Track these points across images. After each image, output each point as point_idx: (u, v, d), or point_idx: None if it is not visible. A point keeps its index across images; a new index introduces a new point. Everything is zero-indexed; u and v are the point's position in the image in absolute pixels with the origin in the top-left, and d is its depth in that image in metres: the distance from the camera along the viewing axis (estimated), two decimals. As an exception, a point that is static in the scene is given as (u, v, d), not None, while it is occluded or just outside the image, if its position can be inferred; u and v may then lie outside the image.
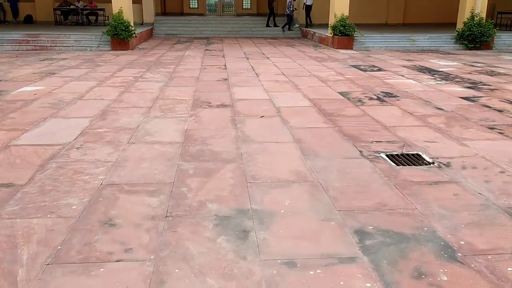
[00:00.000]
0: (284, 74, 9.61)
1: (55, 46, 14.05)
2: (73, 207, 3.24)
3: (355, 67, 10.74)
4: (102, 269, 2.47)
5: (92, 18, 19.38)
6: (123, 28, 13.82)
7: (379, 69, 10.43)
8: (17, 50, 13.70)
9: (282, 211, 3.24)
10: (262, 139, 4.98)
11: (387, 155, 4.52)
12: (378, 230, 2.99)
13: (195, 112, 6.20)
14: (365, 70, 10.25)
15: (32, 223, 2.98)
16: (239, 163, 4.22)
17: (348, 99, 7.17)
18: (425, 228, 3.01)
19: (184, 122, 5.66)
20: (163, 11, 23.95)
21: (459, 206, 3.37)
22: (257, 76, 9.38)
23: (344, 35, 14.72)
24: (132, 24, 14.40)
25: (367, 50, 14.64)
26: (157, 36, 19.62)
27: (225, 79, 8.90)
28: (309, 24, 19.87)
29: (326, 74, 9.70)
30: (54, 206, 3.25)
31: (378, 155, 4.52)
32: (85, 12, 19.50)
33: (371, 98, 7.20)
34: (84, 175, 3.87)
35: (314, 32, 17.73)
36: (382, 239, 2.87)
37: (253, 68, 10.45)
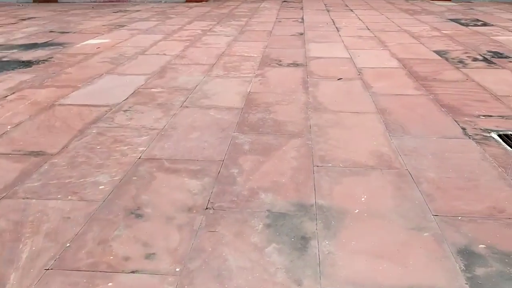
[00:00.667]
0: (369, 29, 8.43)
1: (131, -2, 13.78)
2: (100, 187, 2.70)
3: (454, 21, 9.20)
4: (110, 284, 1.88)
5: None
6: (198, -21, 13.14)
7: (484, 24, 8.83)
8: (94, 2, 13.64)
9: (357, 210, 2.44)
10: (338, 108, 4.12)
11: (500, 135, 3.48)
12: (495, 251, 2.10)
13: (262, 71, 5.43)
14: (466, 25, 8.72)
15: (47, 207, 2.47)
16: (307, 138, 3.43)
17: (446, 59, 5.97)
18: None
19: (248, 83, 4.93)
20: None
21: None
22: (338, 31, 8.31)
23: (441, -16, 12.85)
24: (207, -26, 13.67)
25: (469, 2, 12.71)
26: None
27: (301, 34, 7.96)
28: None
29: (419, 29, 8.36)
30: (80, 184, 2.73)
31: (488, 134, 3.49)
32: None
33: (475, 59, 5.93)
34: (123, 145, 3.33)
35: (406, -18, 15.80)
36: (501, 267, 2.00)
37: (333, 22, 9.34)
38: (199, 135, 3.49)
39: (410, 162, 3.02)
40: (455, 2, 12.66)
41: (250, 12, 11.07)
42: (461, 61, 5.83)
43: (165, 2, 13.58)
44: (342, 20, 9.54)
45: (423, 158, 3.07)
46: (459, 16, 9.90)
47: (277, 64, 5.80)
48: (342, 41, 7.32)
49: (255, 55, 6.29)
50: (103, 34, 8.07)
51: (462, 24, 8.81)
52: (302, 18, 9.86)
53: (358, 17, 9.97)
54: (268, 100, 4.34)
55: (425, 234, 2.23)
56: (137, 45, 7.03)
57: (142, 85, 4.89)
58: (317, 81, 4.99)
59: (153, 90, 4.71)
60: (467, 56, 6.09)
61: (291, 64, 5.80)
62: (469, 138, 3.43)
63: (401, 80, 5.04)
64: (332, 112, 4.00)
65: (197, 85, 4.85)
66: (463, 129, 3.60)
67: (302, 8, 11.65)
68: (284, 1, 13.40)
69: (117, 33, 8.17)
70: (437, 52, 6.37)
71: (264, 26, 8.84)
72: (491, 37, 7.46)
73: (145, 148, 3.26)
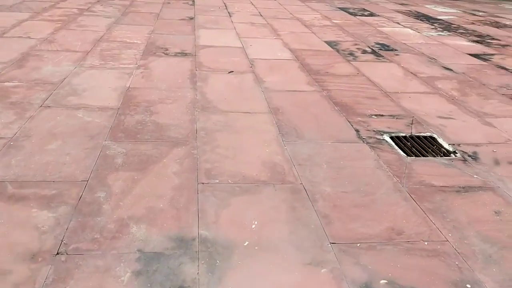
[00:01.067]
0: (261, 15, 8.15)
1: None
2: None
3: (343, 10, 9.32)
4: None
5: None
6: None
7: (371, 14, 9.06)
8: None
9: (246, 243, 2.09)
10: (228, 107, 3.73)
11: (392, 138, 3.37)
12: (397, 287, 1.89)
13: (146, 61, 4.83)
14: (354, 14, 8.87)
15: None
16: (192, 146, 2.99)
17: (338, 51, 5.89)
18: (468, 286, 1.93)
19: (128, 76, 4.32)
20: None
21: (506, 235, 2.29)
22: (230, 16, 7.90)
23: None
24: None
25: (356, -9, 13.09)
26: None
27: (191, 18, 7.41)
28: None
29: (311, 17, 8.29)
30: None
31: (381, 137, 3.36)
32: None
33: (364, 51, 5.94)
34: (-46, 162, 2.59)
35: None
36: (404, 307, 1.78)
37: (226, 6, 8.91)
38: (60, 146, 2.86)
39: (305, 173, 2.74)
40: (344, -9, 12.97)
41: (136, -10, 10.16)
42: (351, 53, 5.79)
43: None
44: (235, 5, 9.15)
45: (318, 169, 2.81)
46: (348, 5, 10.08)
47: (163, 53, 5.24)
48: (234, 28, 6.93)
49: (138, 42, 5.64)
50: (-48, 9, 6.73)
51: (351, 14, 8.95)
52: (193, 1, 9.28)
53: (251, 2, 9.66)
54: (150, 98, 3.80)
55: (322, 271, 1.95)
56: (-5, 25, 5.94)
57: (-6, 77, 4.03)
58: (207, 74, 4.55)
59: (7, 84, 3.89)
60: (357, 48, 6.08)
61: (179, 53, 5.27)
62: (363, 142, 3.26)
63: (294, 73, 4.81)
64: (221, 113, 3.60)
65: (65, 78, 4.12)
66: (357, 131, 3.44)
67: (193, -11, 11.02)
68: (175, -20, 12.61)
69: (-29, 8, 6.88)
70: (329, 43, 6.29)
71: (151, 8, 8.10)
72: (378, 28, 7.63)
73: (-17, 167, 2.56)
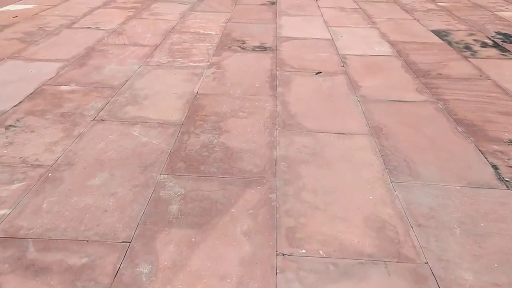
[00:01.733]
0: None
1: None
2: None
3: (449, -10, 7.99)
4: None
5: None
6: None
7: (484, -5, 7.66)
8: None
9: None
10: (316, 125, 2.95)
11: (547, 180, 2.40)
12: None
13: (219, 58, 4.17)
14: (464, -4, 7.53)
15: None
16: (270, 185, 2.27)
17: (450, 43, 4.81)
18: None
19: (198, 78, 3.68)
20: None
21: None
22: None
23: None
24: None
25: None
26: None
27: (273, 3, 6.62)
28: None
29: (411, -1, 7.14)
30: None
31: (531, 179, 2.41)
32: None
33: (484, 44, 4.80)
34: (-22, 201, 2.09)
35: None
36: None
37: None
38: (106, 180, 2.27)
39: (429, 243, 1.91)
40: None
41: None
42: (467, 47, 4.69)
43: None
44: (321, -14, 8.18)
45: (449, 235, 1.96)
46: (453, -16, 8.68)
47: (239, 46, 4.54)
48: (322, 14, 6.04)
49: (213, 33, 4.99)
50: (29, -4, 6.53)
51: (459, -5, 7.62)
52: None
53: (340, -18, 8.62)
54: (221, 109, 3.12)
55: None
56: (67, 14, 5.59)
57: (51, 78, 3.57)
58: (289, 76, 3.78)
59: (63, 88, 3.41)
60: (474, 40, 4.95)
61: (258, 47, 4.54)
62: (507, 186, 2.33)
63: (397, 75, 3.88)
64: (307, 133, 2.83)
65: (127, 81, 3.57)
66: (495, 168, 2.50)
67: (276, -31, 10.16)
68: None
69: (47, -5, 6.64)
70: (437, 33, 5.20)
71: (229, -9, 7.42)
72: (495, 12, 6.33)
73: (7, 212, 2.03)
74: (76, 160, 2.45)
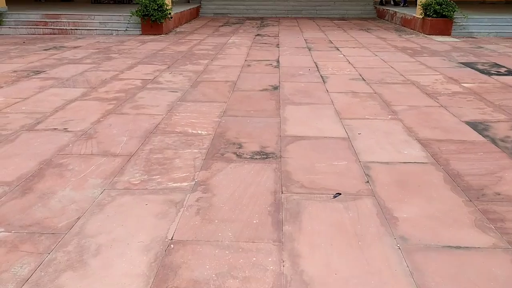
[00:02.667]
0: (364, 79, 6.39)
1: (77, 29, 11.55)
2: None
3: (469, 66, 7.26)
4: None
5: (133, -5, 16.88)
6: (156, 8, 11.05)
7: (509, 72, 6.91)
8: (33, 34, 11.36)
9: None
10: (344, 307, 1.94)
11: None
12: None
13: (208, 174, 3.25)
14: (487, 73, 6.78)
15: None
16: None
17: (494, 141, 3.91)
18: None
19: (176, 211, 2.74)
20: (215, -13, 20.95)
21: None
22: (324, 81, 6.24)
23: (440, 16, 11.06)
24: (168, 1, 11.61)
25: (472, 37, 10.91)
26: (204, 15, 16.79)
27: (275, 88, 5.85)
28: (394, 2, 15.93)
29: (430, 79, 6.36)
30: None
31: None
32: (124, -12, 17.01)
33: (537, 142, 3.89)
34: None
35: (395, 12, 14.07)
36: None
37: (317, 66, 7.29)
38: None
39: None
40: (456, 37, 10.85)
41: (214, 50, 8.97)
42: (518, 147, 3.78)
43: (117, 34, 11.42)
44: (327, 64, 7.51)
45: None
46: (472, 58, 7.99)
47: (235, 153, 3.65)
48: (332, 101, 5.23)
49: (204, 132, 4.13)
50: (2, 87, 5.81)
51: (482, 72, 6.87)
52: (278, 60, 7.80)
53: (347, 59, 7.96)
54: (202, 274, 2.14)
55: None
56: (35, 110, 4.79)
57: (-22, 217, 2.64)
58: (299, 203, 2.83)
59: (-15, 236, 2.46)
60: (522, 136, 4.05)
61: (257, 153, 3.64)
62: None
63: (441, 197, 2.93)
64: (333, 327, 1.82)
65: (78, 218, 2.63)
66: None
67: (278, 45, 9.62)
68: (258, 35, 11.39)
69: (23, 85, 5.91)
70: (473, 126, 4.32)
71: (227, 73, 6.72)
72: (531, 94, 5.50)
73: None
74: None
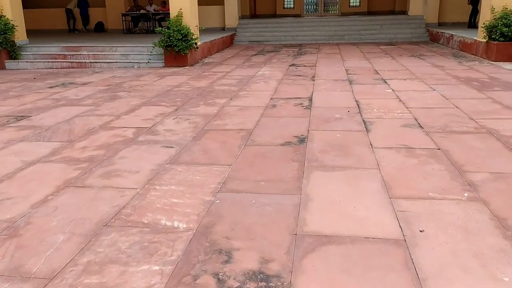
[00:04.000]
0: (420, 125, 4.84)
1: (97, 62, 10.70)
2: None
3: (561, 106, 5.53)
4: None
5: (166, 24, 16.12)
6: (180, 37, 9.99)
7: None
8: (50, 68, 10.60)
9: None
10: None
11: None
12: None
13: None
14: None
15: None
16: None
17: None
18: None
19: None
20: (252, 13, 20.03)
21: None
22: (366, 129, 4.75)
23: (508, 39, 9.29)
24: (195, 30, 10.55)
25: (550, 64, 9.06)
26: (239, 43, 15.73)
27: (301, 140, 4.43)
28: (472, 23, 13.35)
29: (513, 126, 4.73)
30: None
31: None
32: (157, 17, 16.33)
33: None
34: None
35: (451, 35, 12.35)
36: None
37: (358, 107, 5.81)
38: None
39: None
40: (530, 64, 9.04)
41: (238, 84, 7.70)
42: None
43: (138, 67, 10.44)
44: (372, 103, 6.01)
45: None
46: (560, 93, 6.24)
47: (216, 276, 2.24)
48: (377, 163, 3.74)
49: (182, 226, 2.76)
50: (-35, 140, 4.74)
51: None
52: (311, 98, 6.38)
53: (397, 95, 6.43)
54: None
55: None
56: (-23, 179, 3.62)
57: None
58: None
59: None
60: None
61: (252, 278, 2.21)
62: None
63: None
64: None
65: None
66: None
67: (313, 77, 8.22)
68: (293, 65, 10.06)
69: (-9, 137, 4.83)
70: None
71: (244, 118, 5.38)
72: None
73: None
74: None
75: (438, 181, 3.36)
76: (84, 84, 8.20)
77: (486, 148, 4.07)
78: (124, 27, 16.34)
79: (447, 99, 6.12)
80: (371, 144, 4.27)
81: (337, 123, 5.05)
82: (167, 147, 4.36)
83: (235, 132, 4.79)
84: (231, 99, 6.53)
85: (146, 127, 5.07)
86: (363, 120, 5.14)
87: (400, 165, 3.71)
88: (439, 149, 4.09)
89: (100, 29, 17.68)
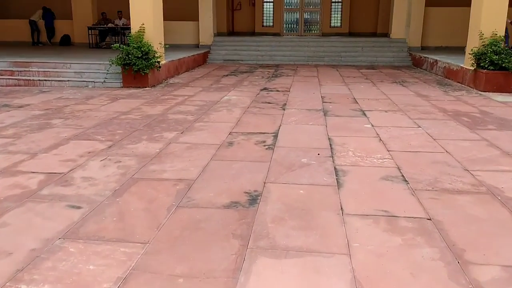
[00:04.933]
0: (405, 178, 3.87)
1: (46, 80, 9.56)
2: None
3: None
4: None
5: (134, 39, 15.07)
6: (139, 55, 8.94)
7: None
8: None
9: None
10: None
11: None
12: None
13: None
14: None
15: None
16: None
17: None
18: None
19: None
20: (230, 30, 19.12)
21: None
22: (338, 183, 3.74)
23: (498, 68, 8.50)
24: (158, 48, 9.54)
25: (544, 96, 8.27)
26: (212, 62, 14.74)
27: (253, 199, 3.40)
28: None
29: (519, 184, 3.79)
30: None
31: None
32: (127, 32, 15.27)
33: None
34: None
35: (436, 60, 11.58)
36: None
37: (331, 147, 4.82)
38: None
39: None
40: (521, 96, 8.24)
41: (197, 113, 6.66)
42: None
43: (93, 87, 9.34)
44: (348, 142, 5.03)
45: None
46: None
47: None
48: (348, 244, 2.72)
49: None
50: None
51: None
52: (276, 134, 5.38)
53: (377, 133, 5.47)
54: None
55: None
56: None
57: None
58: None
59: None
60: None
61: None
62: None
63: None
64: None
65: None
66: None
67: (284, 105, 7.25)
68: (265, 88, 9.08)
69: None
70: None
71: (190, 162, 4.33)
72: None
73: None
74: None
75: (431, 282, 2.35)
76: (20, 107, 7.06)
77: (491, 220, 3.09)
78: (91, 41, 15.25)
79: (434, 139, 5.18)
80: (341, 209, 3.26)
81: (303, 173, 4.04)
82: (73, 207, 3.28)
83: (171, 184, 3.74)
84: (182, 132, 5.48)
85: (60, 173, 3.98)
86: (334, 168, 4.14)
87: (379, 248, 2.70)
88: (430, 219, 3.10)
89: (66, 43, 16.55)
